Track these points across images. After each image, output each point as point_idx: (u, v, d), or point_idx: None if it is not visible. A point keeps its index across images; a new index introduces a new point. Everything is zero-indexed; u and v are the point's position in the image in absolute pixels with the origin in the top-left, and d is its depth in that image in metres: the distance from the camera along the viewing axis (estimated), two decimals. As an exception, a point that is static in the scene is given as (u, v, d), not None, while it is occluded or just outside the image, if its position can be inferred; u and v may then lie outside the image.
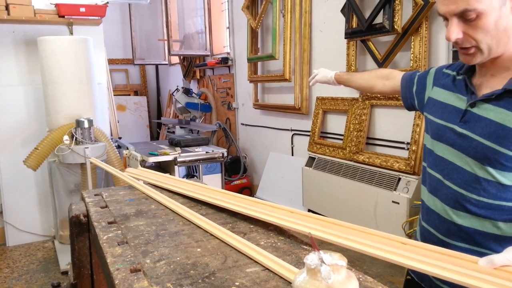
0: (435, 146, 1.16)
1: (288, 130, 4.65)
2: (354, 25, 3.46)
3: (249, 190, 5.33)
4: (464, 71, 1.14)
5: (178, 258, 1.07)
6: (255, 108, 5.20)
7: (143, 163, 3.65)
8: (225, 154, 3.99)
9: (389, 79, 1.50)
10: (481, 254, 0.97)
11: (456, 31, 0.99)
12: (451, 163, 1.10)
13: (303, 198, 4.04)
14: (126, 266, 1.02)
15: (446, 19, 1.02)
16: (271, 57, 4.52)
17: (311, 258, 0.65)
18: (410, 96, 1.38)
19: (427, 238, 1.19)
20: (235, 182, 5.20)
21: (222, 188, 4.10)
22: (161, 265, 1.03)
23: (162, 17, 7.27)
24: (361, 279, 0.93)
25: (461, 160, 1.07)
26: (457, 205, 1.08)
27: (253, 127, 5.39)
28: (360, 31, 3.37)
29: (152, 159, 3.67)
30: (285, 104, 4.58)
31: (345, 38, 3.56)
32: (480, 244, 1.05)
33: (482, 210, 1.04)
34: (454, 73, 1.19)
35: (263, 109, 5.09)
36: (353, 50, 3.54)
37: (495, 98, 1.02)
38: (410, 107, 1.40)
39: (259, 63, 5.04)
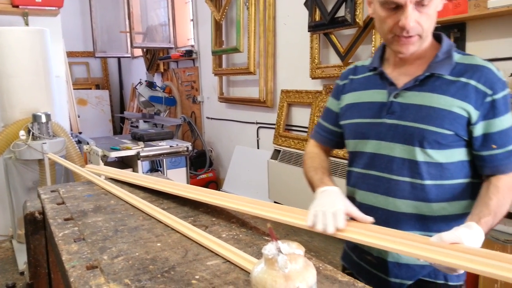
0: (364, 146, 1.16)
1: (253, 123, 4.65)
2: (317, 18, 3.48)
3: (215, 184, 5.30)
4: (373, 68, 1.18)
5: (137, 254, 1.05)
6: (220, 102, 5.17)
7: (105, 159, 3.56)
8: (190, 148, 3.95)
9: (323, 146, 1.37)
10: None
11: (413, 18, 1.01)
12: (387, 156, 1.11)
13: (269, 191, 4.05)
14: (82, 263, 1.00)
15: (395, 7, 1.01)
16: (236, 50, 4.50)
17: (269, 248, 0.64)
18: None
19: None
20: (201, 176, 5.16)
21: (188, 182, 4.06)
22: (119, 261, 1.01)
23: (124, 8, 7.07)
24: (321, 268, 0.94)
25: (396, 150, 1.09)
26: (404, 194, 1.09)
27: (219, 120, 5.35)
28: (323, 24, 3.39)
29: (114, 154, 3.58)
30: (250, 97, 4.57)
31: (309, 31, 3.58)
32: (430, 227, 1.09)
33: (429, 194, 1.08)
34: (359, 76, 1.23)
35: (228, 102, 5.06)
36: (317, 43, 3.56)
37: (418, 84, 1.07)
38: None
39: (224, 56, 5.00)
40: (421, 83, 1.07)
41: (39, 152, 3.19)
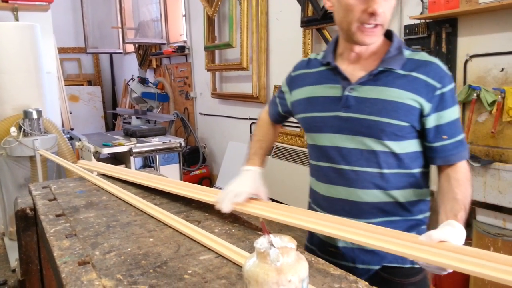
0: (320, 139, 1.19)
1: (246, 119, 4.64)
2: (310, 14, 3.48)
3: (208, 180, 5.30)
4: (326, 62, 1.19)
5: (129, 249, 1.05)
6: (213, 97, 5.15)
7: (97, 155, 3.54)
8: (183, 144, 3.93)
9: (272, 122, 1.48)
10: (392, 224, 1.10)
11: (382, 4, 1.02)
12: (344, 148, 1.13)
13: (262, 187, 4.03)
14: (74, 259, 0.99)
15: None
16: (228, 45, 4.48)
17: (261, 242, 0.64)
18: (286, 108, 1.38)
19: None
20: (194, 172, 5.15)
21: (181, 178, 4.05)
22: (111, 257, 1.01)
23: (115, 4, 7.02)
24: (313, 261, 0.94)
25: (353, 142, 1.12)
26: (365, 184, 1.12)
27: (212, 116, 5.34)
28: (316, 20, 3.39)
29: (106, 150, 3.56)
30: (243, 92, 4.56)
31: (301, 26, 3.58)
32: (391, 214, 1.13)
33: (388, 182, 1.11)
34: (312, 70, 1.24)
35: (221, 98, 5.05)
36: (309, 39, 3.56)
37: (372, 79, 1.10)
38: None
39: (217, 52, 4.98)
40: (375, 78, 1.10)
41: (30, 149, 3.17)
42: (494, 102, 2.41)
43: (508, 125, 2.42)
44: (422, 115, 1.08)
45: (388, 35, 1.15)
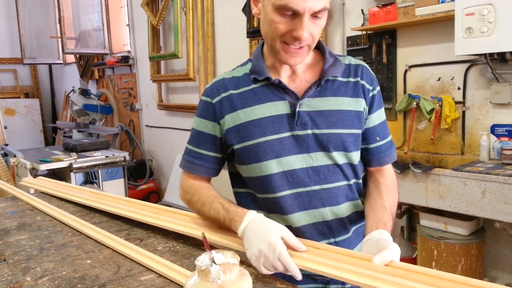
0: (273, 166, 1.03)
1: (194, 130, 4.57)
2: (256, 24, 3.50)
3: (156, 194, 5.15)
4: (265, 78, 1.06)
5: (64, 273, 0.98)
6: (159, 109, 5.04)
7: (34, 172, 3.32)
8: (128, 158, 3.80)
9: (206, 179, 1.19)
10: (362, 228, 1.08)
11: (308, 29, 0.94)
12: (310, 168, 1.04)
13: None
14: (2, 287, 0.90)
15: (291, 14, 0.93)
16: (174, 55, 4.41)
17: (202, 259, 0.60)
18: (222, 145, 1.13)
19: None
20: (141, 187, 4.99)
21: (126, 193, 3.90)
22: (43, 282, 0.93)
23: (54, 12, 6.72)
24: (259, 276, 0.91)
25: (318, 160, 1.04)
26: (338, 199, 1.06)
27: (159, 128, 5.21)
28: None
29: (44, 167, 3.35)
30: (191, 104, 4.49)
31: (247, 37, 3.59)
32: (359, 221, 1.12)
33: (355, 193, 1.10)
34: (242, 89, 1.08)
35: (168, 109, 4.94)
36: (255, 49, 3.58)
37: (318, 90, 1.04)
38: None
39: (162, 62, 4.89)
40: (321, 88, 1.05)
41: (-43, 167, 2.92)
42: (432, 110, 2.52)
43: (446, 132, 2.54)
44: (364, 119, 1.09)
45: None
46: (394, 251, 0.87)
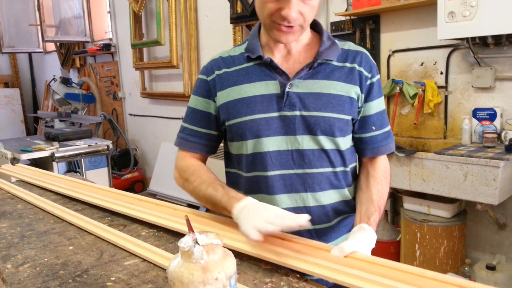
0: (261, 144, 1.03)
1: (179, 118, 4.53)
2: (239, 10, 3.46)
3: (141, 183, 5.11)
4: (257, 57, 1.05)
5: (45, 259, 0.96)
6: (143, 97, 4.98)
7: (15, 162, 3.26)
8: (111, 147, 3.75)
9: (200, 156, 1.19)
10: (348, 220, 1.09)
11: (297, 9, 0.94)
12: (295, 151, 1.03)
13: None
14: (-20, 275, 0.88)
15: None
16: (157, 42, 4.34)
17: (185, 241, 0.60)
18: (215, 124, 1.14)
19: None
20: (126, 176, 4.94)
21: (110, 183, 3.86)
22: (24, 269, 0.92)
23: (33, -1, 6.56)
24: (244, 258, 0.91)
25: (304, 143, 1.03)
26: (321, 186, 1.05)
27: (142, 117, 5.15)
28: (245, 16, 3.38)
29: (25, 156, 3.30)
30: (174, 91, 4.45)
31: (231, 23, 3.55)
32: (345, 211, 1.10)
33: (341, 180, 1.07)
34: (236, 68, 1.09)
35: (151, 97, 4.89)
36: (239, 36, 3.55)
37: (311, 72, 1.03)
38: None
39: (145, 49, 4.82)
40: (314, 71, 1.04)
41: None
42: (415, 95, 2.54)
43: (428, 116, 2.57)
44: (358, 106, 1.06)
45: (314, 25, 1.10)
46: (357, 242, 0.86)
